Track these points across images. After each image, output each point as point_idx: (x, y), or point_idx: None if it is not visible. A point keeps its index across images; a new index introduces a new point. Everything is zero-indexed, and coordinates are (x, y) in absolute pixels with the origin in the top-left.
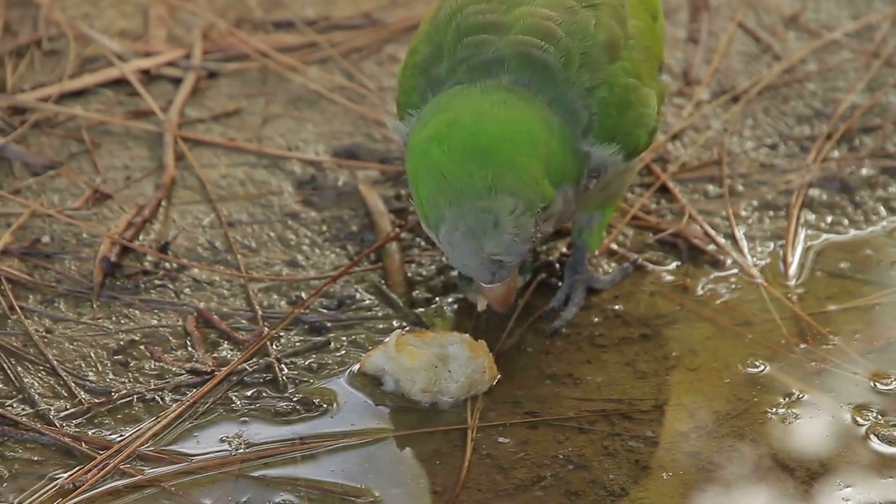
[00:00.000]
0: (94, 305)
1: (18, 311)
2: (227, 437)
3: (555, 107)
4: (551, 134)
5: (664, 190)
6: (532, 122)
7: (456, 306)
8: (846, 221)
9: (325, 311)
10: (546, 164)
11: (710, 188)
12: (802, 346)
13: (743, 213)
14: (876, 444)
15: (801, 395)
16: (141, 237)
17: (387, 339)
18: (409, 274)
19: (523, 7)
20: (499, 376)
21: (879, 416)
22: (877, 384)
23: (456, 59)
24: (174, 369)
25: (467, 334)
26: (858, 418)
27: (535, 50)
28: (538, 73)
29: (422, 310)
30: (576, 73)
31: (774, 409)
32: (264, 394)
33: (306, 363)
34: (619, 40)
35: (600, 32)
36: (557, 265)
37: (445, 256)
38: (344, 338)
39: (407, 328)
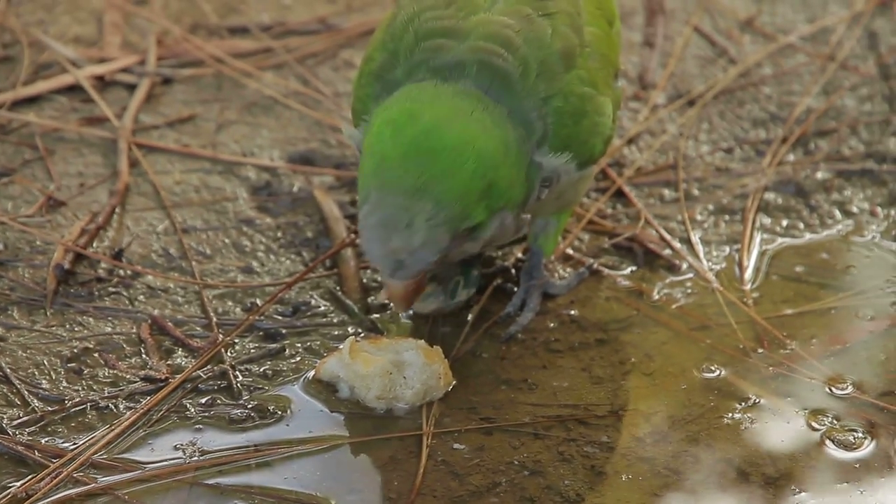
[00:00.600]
0: (48, 313)
1: None
2: (182, 444)
3: (513, 118)
4: (506, 157)
5: (620, 194)
6: (490, 143)
7: (411, 312)
8: (802, 225)
9: (280, 317)
10: (488, 188)
11: (666, 192)
12: (758, 350)
13: (699, 218)
14: (831, 448)
15: (757, 400)
16: (95, 244)
17: (341, 346)
18: (365, 280)
19: (481, 14)
20: (454, 382)
21: (835, 421)
22: (833, 389)
23: (413, 62)
24: (128, 377)
25: (422, 340)
26: (814, 423)
27: (496, 58)
28: (498, 82)
29: (377, 316)
30: (533, 82)
31: (730, 414)
32: (219, 401)
33: (261, 370)
34: (574, 49)
35: (556, 41)
36: (513, 270)
37: None
38: (299, 344)
39: (362, 334)
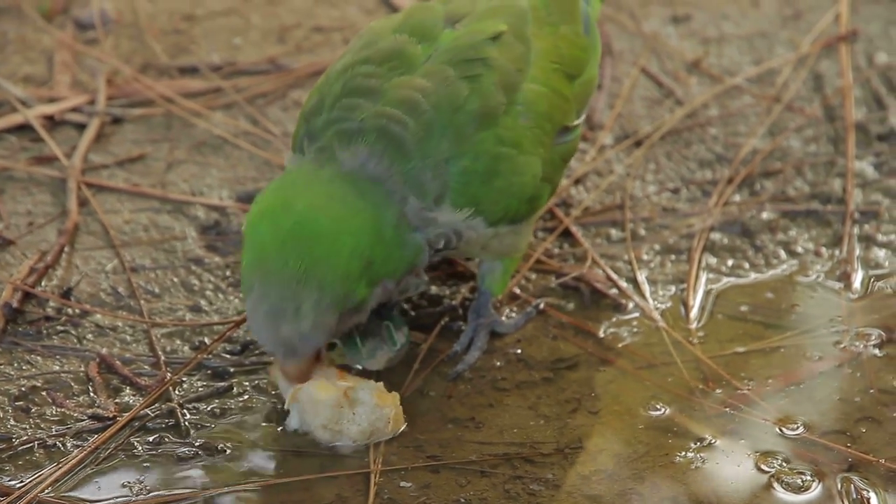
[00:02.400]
0: None
1: None
2: (129, 483)
3: (407, 182)
4: (381, 235)
5: (567, 234)
6: (364, 224)
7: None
8: (747, 265)
9: (228, 356)
10: (367, 265)
11: (613, 232)
12: (704, 389)
13: (645, 257)
14: (780, 491)
15: (702, 439)
16: (43, 283)
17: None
18: None
19: (403, 77)
20: (404, 426)
21: (784, 464)
22: (780, 429)
23: (330, 118)
24: (76, 415)
25: (381, 383)
26: (762, 464)
27: (394, 124)
28: (391, 149)
29: (327, 353)
30: (434, 145)
31: (676, 453)
32: (167, 439)
33: (209, 408)
34: (496, 108)
35: (472, 102)
36: (461, 309)
37: None
38: (247, 383)
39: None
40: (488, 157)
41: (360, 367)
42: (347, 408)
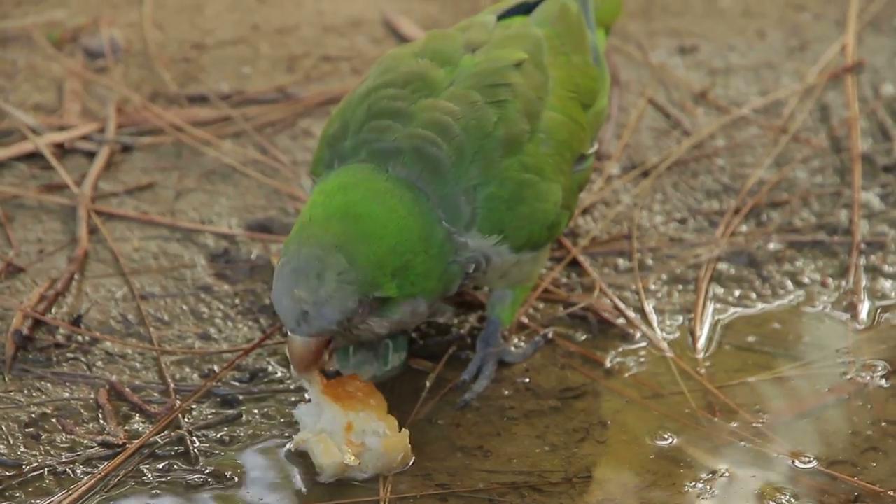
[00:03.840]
0: (6, 378)
1: None
2: None
3: (441, 207)
4: (426, 247)
5: (575, 264)
6: (413, 228)
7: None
8: (754, 295)
9: (237, 383)
10: (403, 268)
11: (620, 262)
12: (711, 419)
13: (652, 287)
14: None
15: (710, 469)
16: (54, 310)
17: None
18: None
19: (430, 99)
20: (412, 460)
21: (792, 498)
22: (789, 459)
23: (359, 140)
24: (86, 442)
25: (390, 423)
26: (769, 495)
27: (429, 146)
28: (429, 170)
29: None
30: (466, 169)
31: (684, 483)
32: (176, 466)
33: (218, 436)
34: (521, 135)
35: (499, 128)
36: (469, 338)
37: None
38: (256, 410)
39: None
40: (513, 184)
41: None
42: (353, 462)
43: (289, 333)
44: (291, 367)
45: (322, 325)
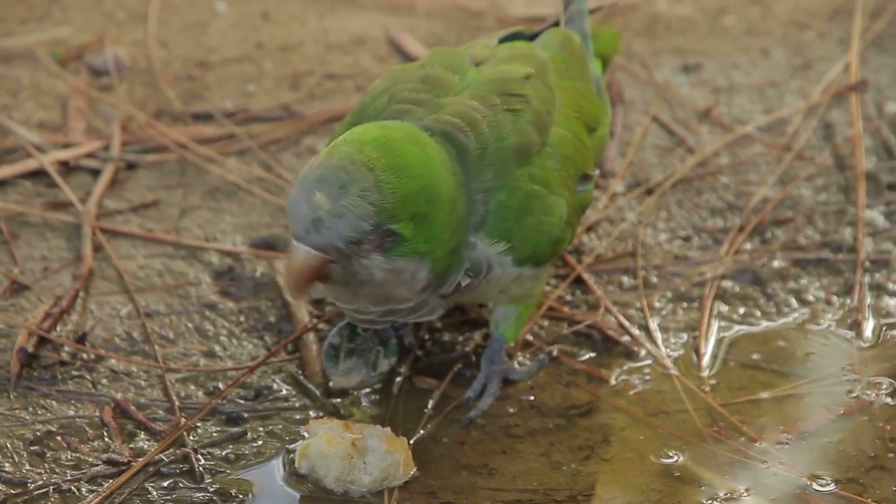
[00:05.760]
0: (11, 396)
1: None
2: None
3: (464, 191)
4: (451, 207)
5: (579, 281)
6: (445, 181)
7: (373, 397)
8: (758, 313)
9: (242, 401)
10: (424, 216)
11: (625, 280)
12: (715, 437)
13: (657, 305)
14: None
15: (714, 487)
16: (58, 328)
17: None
18: None
19: (454, 97)
20: (415, 470)
21: None
22: (793, 477)
23: (381, 120)
24: (91, 460)
25: (388, 428)
26: None
27: (459, 133)
28: (456, 154)
29: (338, 400)
30: (483, 168)
31: (688, 500)
32: (181, 484)
33: (223, 454)
34: (532, 146)
35: (513, 136)
36: (474, 356)
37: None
38: (261, 428)
39: (322, 417)
40: (522, 194)
41: (330, 383)
42: (358, 457)
43: (292, 244)
44: (285, 292)
45: (331, 238)
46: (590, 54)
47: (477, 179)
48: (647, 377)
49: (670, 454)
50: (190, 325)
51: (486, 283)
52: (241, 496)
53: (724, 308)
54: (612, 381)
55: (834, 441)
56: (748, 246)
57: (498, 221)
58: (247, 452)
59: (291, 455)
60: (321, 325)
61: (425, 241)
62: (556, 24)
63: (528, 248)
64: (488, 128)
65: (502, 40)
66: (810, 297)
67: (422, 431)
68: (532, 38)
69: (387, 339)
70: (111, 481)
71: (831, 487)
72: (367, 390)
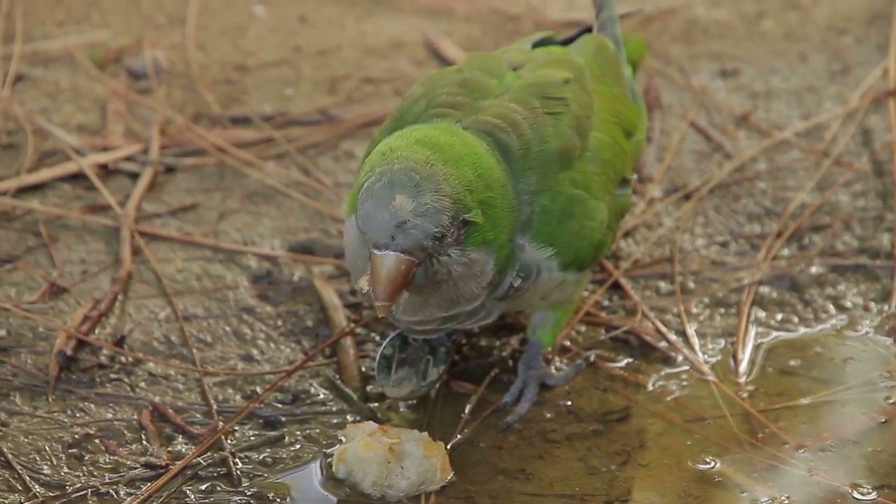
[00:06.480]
0: (50, 399)
1: None
2: None
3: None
4: (503, 191)
5: (616, 286)
6: (491, 167)
7: (411, 401)
8: (796, 319)
9: (279, 405)
10: (485, 202)
11: (662, 285)
12: (753, 443)
13: (694, 310)
14: None
15: (751, 493)
16: (97, 331)
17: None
18: (364, 369)
19: (494, 99)
20: (452, 475)
21: None
22: (832, 484)
23: (420, 123)
24: (129, 463)
25: (426, 433)
26: None
27: (501, 132)
28: (499, 150)
29: (376, 405)
30: (527, 171)
31: None
32: (218, 488)
33: (261, 457)
34: (573, 150)
35: (554, 139)
36: (511, 361)
37: (346, 247)
38: (298, 432)
39: (360, 421)
40: (564, 199)
41: (381, 391)
42: (395, 462)
43: (375, 254)
44: (373, 305)
45: (418, 238)
46: (623, 60)
47: (522, 180)
48: (685, 383)
49: (707, 460)
50: (228, 328)
51: (534, 288)
52: (278, 500)
53: (762, 314)
54: (650, 387)
55: (872, 448)
56: (786, 252)
57: (542, 226)
58: (284, 456)
59: (329, 459)
60: (359, 330)
61: (492, 227)
62: (589, 29)
63: (571, 253)
64: (530, 129)
65: (535, 45)
66: (848, 304)
67: (459, 436)
68: (561, 43)
69: (437, 347)
70: (149, 484)
71: (873, 496)
72: None
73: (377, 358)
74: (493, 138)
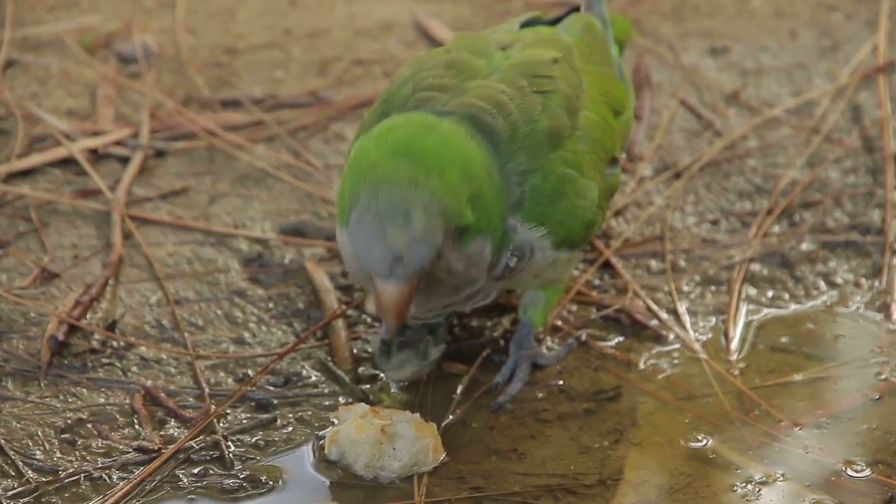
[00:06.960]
0: (42, 384)
1: None
2: None
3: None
4: (489, 177)
5: (607, 265)
6: (475, 154)
7: (402, 382)
8: (787, 296)
9: (271, 388)
10: (475, 196)
11: (653, 263)
12: (745, 420)
13: (685, 289)
14: None
15: (744, 470)
16: (88, 316)
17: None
18: (356, 350)
19: (479, 80)
20: (444, 456)
21: (825, 495)
22: (823, 460)
23: (405, 109)
24: (121, 447)
25: (417, 414)
26: (802, 495)
27: (485, 115)
28: (483, 134)
29: (368, 386)
30: (516, 151)
31: (718, 484)
32: (211, 471)
33: (253, 440)
34: (563, 129)
35: (545, 119)
36: (502, 341)
37: (344, 255)
38: (290, 415)
39: (352, 403)
40: (555, 178)
41: (382, 376)
42: (387, 443)
43: (377, 285)
44: (382, 326)
45: (417, 266)
46: (610, 39)
47: (511, 161)
48: (676, 361)
49: (699, 438)
50: (219, 311)
51: (528, 267)
52: (271, 482)
53: (753, 291)
54: (641, 366)
55: (863, 424)
56: (776, 229)
57: (533, 206)
58: (276, 439)
59: (321, 441)
60: (350, 312)
61: (483, 216)
62: (576, 9)
63: (563, 232)
64: (517, 109)
65: (523, 25)
66: (839, 280)
67: (451, 417)
68: (549, 23)
69: (436, 327)
70: (142, 468)
71: (867, 473)
72: None
73: (377, 343)
74: (475, 121)
